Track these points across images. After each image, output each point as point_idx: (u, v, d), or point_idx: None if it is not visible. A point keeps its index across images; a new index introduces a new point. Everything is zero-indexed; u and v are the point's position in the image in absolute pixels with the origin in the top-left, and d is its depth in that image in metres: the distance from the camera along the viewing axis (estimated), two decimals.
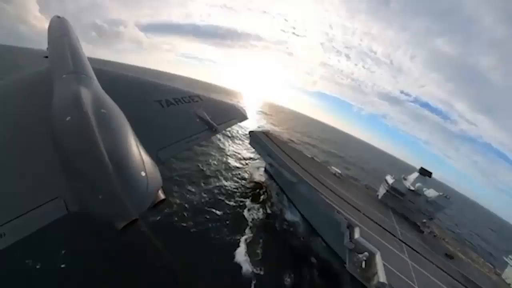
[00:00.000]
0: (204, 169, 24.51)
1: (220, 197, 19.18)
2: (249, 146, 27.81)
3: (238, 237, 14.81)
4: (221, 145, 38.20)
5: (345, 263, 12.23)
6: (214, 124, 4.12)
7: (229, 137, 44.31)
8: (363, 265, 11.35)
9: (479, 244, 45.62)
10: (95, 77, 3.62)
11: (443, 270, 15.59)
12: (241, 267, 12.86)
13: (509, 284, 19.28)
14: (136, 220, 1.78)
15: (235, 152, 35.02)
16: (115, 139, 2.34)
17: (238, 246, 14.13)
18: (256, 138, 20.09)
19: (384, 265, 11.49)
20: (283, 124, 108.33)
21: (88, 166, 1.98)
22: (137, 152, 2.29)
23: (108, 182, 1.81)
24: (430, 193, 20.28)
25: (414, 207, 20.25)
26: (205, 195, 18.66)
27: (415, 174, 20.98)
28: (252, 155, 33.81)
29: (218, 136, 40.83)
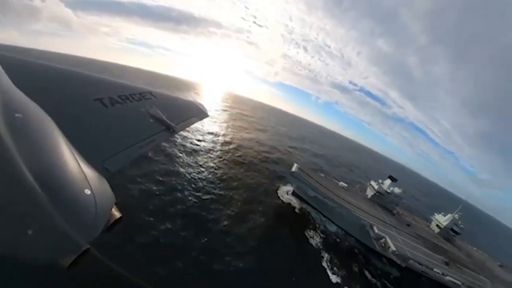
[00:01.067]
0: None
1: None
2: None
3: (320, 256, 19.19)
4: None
5: (371, 248, 23.24)
6: (172, 124, 3.62)
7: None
8: (384, 245, 22.64)
9: (415, 204, 66.84)
10: (1, 69, 2.41)
11: (409, 234, 28.90)
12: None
13: (434, 231, 34.92)
14: (87, 251, 1.31)
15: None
16: (40, 151, 1.76)
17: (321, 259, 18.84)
18: (298, 176, 28.24)
19: (392, 242, 23.04)
20: (256, 118, 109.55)
21: (5, 193, 1.36)
22: (74, 165, 1.76)
23: (38, 210, 1.32)
24: (396, 190, 34.01)
25: (389, 201, 33.64)
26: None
27: (388, 181, 34.24)
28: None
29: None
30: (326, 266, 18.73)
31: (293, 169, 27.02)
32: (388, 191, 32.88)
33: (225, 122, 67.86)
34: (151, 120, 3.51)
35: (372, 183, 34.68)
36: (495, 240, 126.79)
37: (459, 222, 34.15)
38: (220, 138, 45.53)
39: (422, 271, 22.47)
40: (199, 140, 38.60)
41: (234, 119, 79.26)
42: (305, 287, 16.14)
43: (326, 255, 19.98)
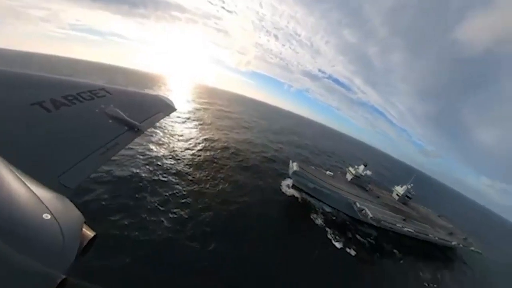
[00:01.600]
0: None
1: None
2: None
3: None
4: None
5: (356, 218, 32.13)
6: (135, 123, 3.31)
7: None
8: (364, 214, 31.60)
9: (381, 179, 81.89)
10: None
11: (379, 204, 39.11)
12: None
13: (395, 198, 46.69)
14: (65, 281, 1.11)
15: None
16: None
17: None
18: (300, 174, 33.76)
19: (370, 211, 32.20)
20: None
21: None
22: (22, 189, 1.46)
23: None
24: (368, 172, 44.19)
25: (363, 181, 43.64)
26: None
27: (362, 167, 44.07)
28: None
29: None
30: (330, 238, 26.45)
31: (295, 168, 33.87)
32: (362, 174, 42.75)
33: (212, 123, 66.73)
34: (110, 121, 3.08)
35: (350, 169, 44.16)
36: (438, 197, 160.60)
37: (411, 190, 46.44)
38: (215, 143, 46.40)
39: (390, 228, 32.34)
40: (199, 150, 38.81)
41: (219, 118, 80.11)
42: (321, 255, 23.45)
43: (328, 230, 27.77)
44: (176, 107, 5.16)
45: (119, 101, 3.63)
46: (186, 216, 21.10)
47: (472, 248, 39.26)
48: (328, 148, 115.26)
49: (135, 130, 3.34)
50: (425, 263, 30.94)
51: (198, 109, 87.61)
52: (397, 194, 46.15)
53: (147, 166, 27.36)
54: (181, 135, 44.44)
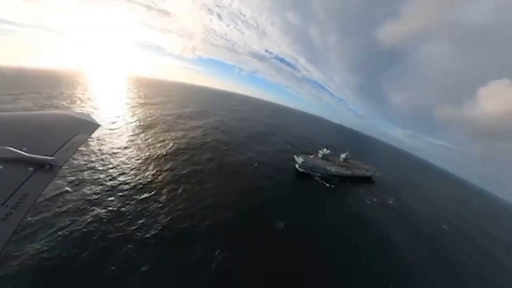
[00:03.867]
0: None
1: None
2: None
3: None
4: None
5: (334, 175, 70.16)
6: (45, 158, 2.53)
7: None
8: (330, 172, 69.65)
9: (334, 148, 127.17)
10: None
11: (338, 165, 79.24)
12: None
13: (342, 160, 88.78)
14: None
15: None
16: None
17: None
18: (305, 163, 69.46)
19: (333, 169, 70.61)
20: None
21: None
22: None
23: None
24: (328, 151, 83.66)
25: (328, 156, 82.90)
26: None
27: (325, 149, 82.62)
28: None
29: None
30: (320, 183, 63.09)
31: (300, 160, 68.18)
32: (326, 153, 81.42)
33: (200, 139, 59.18)
34: (1, 167, 2.19)
35: (320, 151, 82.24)
36: (370, 149, 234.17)
37: (348, 154, 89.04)
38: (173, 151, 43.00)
39: (341, 174, 72.16)
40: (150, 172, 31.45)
41: (207, 130, 72.27)
42: (316, 189, 59.25)
43: (319, 181, 64.48)
44: (100, 121, 3.91)
45: (12, 134, 2.71)
46: None
47: (377, 174, 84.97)
48: (298, 132, 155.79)
49: (47, 168, 2.49)
50: (359, 185, 72.34)
51: (166, 122, 70.15)
52: (342, 158, 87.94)
53: (83, 216, 20.10)
54: (119, 153, 35.02)
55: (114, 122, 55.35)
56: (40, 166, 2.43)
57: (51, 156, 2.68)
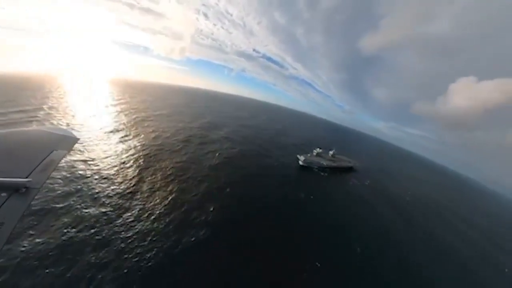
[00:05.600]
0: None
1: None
2: None
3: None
4: None
5: (327, 168, 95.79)
6: (19, 180, 2.36)
7: None
8: (322, 165, 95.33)
9: (323, 144, 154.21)
10: None
11: (328, 160, 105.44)
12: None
13: (331, 156, 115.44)
14: None
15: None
16: None
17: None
18: (306, 162, 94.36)
19: (325, 163, 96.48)
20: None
21: None
22: None
23: None
24: (320, 150, 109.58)
25: (320, 154, 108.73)
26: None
27: (318, 149, 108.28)
28: None
29: None
30: (318, 172, 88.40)
31: (302, 158, 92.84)
32: (319, 152, 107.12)
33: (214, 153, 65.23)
34: None
35: (314, 150, 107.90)
36: (355, 142, 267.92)
37: (335, 151, 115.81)
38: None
39: (331, 166, 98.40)
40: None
41: (218, 143, 77.12)
42: (315, 177, 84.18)
43: (318, 171, 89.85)
44: (78, 135, 3.63)
45: None
46: None
47: (358, 165, 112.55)
48: (293, 132, 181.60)
49: (22, 191, 2.26)
50: (344, 172, 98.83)
51: (177, 138, 69.77)
52: (330, 155, 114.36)
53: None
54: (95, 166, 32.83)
55: (78, 131, 52.08)
56: (14, 190, 2.18)
57: (26, 177, 2.43)
